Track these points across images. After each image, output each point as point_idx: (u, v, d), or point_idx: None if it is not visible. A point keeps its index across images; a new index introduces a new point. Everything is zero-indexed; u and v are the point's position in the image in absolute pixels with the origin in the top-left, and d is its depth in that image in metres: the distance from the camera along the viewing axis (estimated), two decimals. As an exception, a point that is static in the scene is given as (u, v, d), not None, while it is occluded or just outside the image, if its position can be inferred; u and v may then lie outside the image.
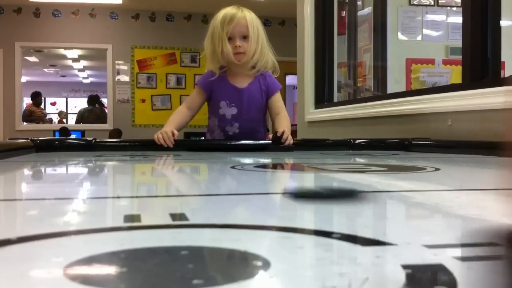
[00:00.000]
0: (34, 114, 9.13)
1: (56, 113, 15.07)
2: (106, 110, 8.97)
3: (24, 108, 9.17)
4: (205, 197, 0.78)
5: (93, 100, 9.22)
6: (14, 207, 0.71)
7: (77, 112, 10.49)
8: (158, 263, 0.36)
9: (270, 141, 2.07)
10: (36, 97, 9.42)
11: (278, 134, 2.02)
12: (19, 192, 0.95)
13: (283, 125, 2.12)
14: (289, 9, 5.72)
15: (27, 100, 9.47)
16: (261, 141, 2.12)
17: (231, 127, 2.16)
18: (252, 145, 2.08)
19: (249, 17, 2.10)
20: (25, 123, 8.64)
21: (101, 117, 8.89)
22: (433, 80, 3.82)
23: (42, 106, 10.35)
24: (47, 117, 11.53)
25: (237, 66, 2.11)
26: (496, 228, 0.52)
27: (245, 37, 2.07)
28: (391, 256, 0.38)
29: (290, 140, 2.02)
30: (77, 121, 9.25)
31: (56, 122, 12.07)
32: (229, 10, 2.09)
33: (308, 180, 1.11)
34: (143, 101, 8.68)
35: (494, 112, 2.18)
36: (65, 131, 7.98)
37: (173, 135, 2.00)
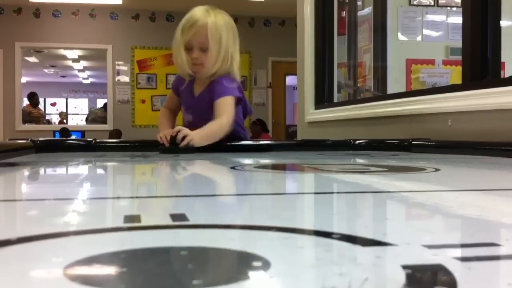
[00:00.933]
0: (31, 115, 9.13)
1: (57, 114, 15.09)
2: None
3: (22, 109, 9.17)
4: (205, 197, 0.78)
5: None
6: (14, 208, 0.71)
7: (77, 112, 10.56)
8: (158, 263, 0.36)
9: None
10: (32, 98, 9.41)
11: (173, 134, 1.82)
12: (19, 192, 0.95)
13: (207, 127, 1.88)
14: (289, 9, 5.73)
15: (27, 101, 9.46)
16: (261, 142, 2.08)
17: (188, 125, 2.06)
18: (251, 146, 2.06)
19: (212, 25, 1.90)
20: (25, 124, 8.64)
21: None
22: (433, 81, 3.82)
23: (40, 106, 10.35)
24: (46, 118, 11.55)
25: (195, 75, 2.01)
26: None
27: (204, 48, 1.91)
28: (391, 256, 0.38)
29: (187, 141, 1.79)
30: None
31: (57, 123, 12.09)
32: (194, 14, 1.93)
33: (308, 180, 1.11)
34: (143, 101, 8.68)
35: (494, 113, 2.18)
36: (65, 132, 7.98)
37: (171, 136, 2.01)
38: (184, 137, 1.79)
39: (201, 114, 2.03)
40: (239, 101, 2.05)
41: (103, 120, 9.01)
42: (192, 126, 1.99)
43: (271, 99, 9.27)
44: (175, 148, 1.80)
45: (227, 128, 1.92)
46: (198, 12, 1.93)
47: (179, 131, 1.81)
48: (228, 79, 1.99)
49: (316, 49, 4.27)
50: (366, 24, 4.09)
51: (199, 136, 1.83)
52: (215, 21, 1.92)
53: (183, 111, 2.16)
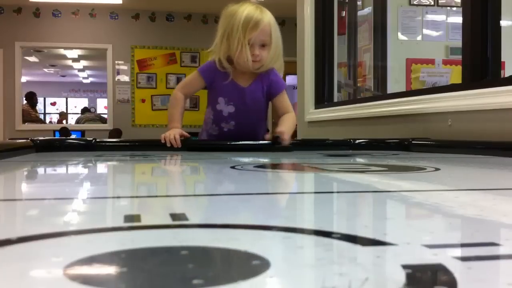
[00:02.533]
0: (31, 116, 9.09)
1: (57, 113, 15.08)
2: (106, 110, 8.99)
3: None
4: (205, 197, 0.78)
5: None
6: (14, 207, 0.71)
7: (77, 112, 10.62)
8: (158, 263, 0.36)
9: (269, 142, 2.03)
10: (32, 98, 9.36)
11: (277, 135, 1.97)
12: (19, 192, 0.95)
13: (285, 125, 2.04)
14: (289, 9, 5.72)
15: (25, 100, 9.43)
16: (260, 142, 2.10)
17: (227, 124, 2.11)
18: (251, 145, 2.06)
19: (273, 23, 2.00)
20: (26, 123, 8.64)
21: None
22: (433, 80, 3.82)
23: (40, 105, 10.32)
24: (45, 118, 11.54)
25: (254, 70, 2.04)
26: None
27: (264, 44, 1.99)
28: (391, 256, 0.38)
29: (286, 141, 1.96)
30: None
31: (56, 122, 12.09)
32: (252, 12, 1.97)
33: (308, 180, 1.11)
34: (143, 101, 8.68)
35: (494, 112, 2.18)
36: (65, 131, 7.98)
37: (182, 136, 2.02)
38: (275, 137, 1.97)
39: (249, 105, 2.09)
40: None
41: (98, 119, 9.02)
42: (234, 117, 2.09)
43: (271, 99, 9.25)
44: (275, 146, 1.95)
45: (296, 121, 2.17)
46: (255, 11, 1.98)
47: (282, 132, 1.96)
48: (276, 72, 2.13)
49: (316, 49, 4.27)
50: (366, 23, 4.09)
51: (289, 132, 2.02)
52: (273, 20, 2.02)
53: (220, 102, 2.11)
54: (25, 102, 9.24)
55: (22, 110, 8.79)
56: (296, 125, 4.46)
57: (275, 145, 1.96)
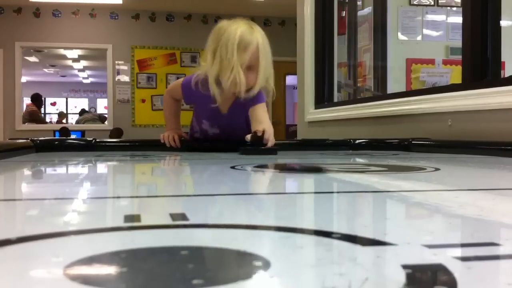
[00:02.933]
0: (37, 116, 9.10)
1: (56, 113, 15.08)
2: (106, 110, 9.00)
3: (25, 109, 9.13)
4: (205, 197, 0.78)
5: None
6: (14, 207, 0.71)
7: (77, 112, 10.62)
8: (158, 263, 0.36)
9: (248, 142, 1.77)
10: (38, 99, 9.37)
11: (259, 134, 1.74)
12: (19, 192, 0.95)
13: (265, 123, 1.86)
14: (289, 9, 5.72)
15: (27, 101, 9.43)
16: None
17: (213, 136, 2.08)
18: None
19: (262, 46, 1.85)
20: (26, 123, 8.64)
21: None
22: (433, 80, 3.83)
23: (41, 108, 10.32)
24: (46, 119, 11.56)
25: (237, 94, 1.90)
26: None
27: (252, 67, 1.85)
28: (391, 256, 0.38)
29: (272, 141, 1.81)
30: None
31: (55, 123, 12.09)
32: (244, 33, 1.83)
33: (308, 180, 1.11)
34: (143, 101, 8.68)
35: (494, 112, 2.18)
36: (65, 132, 7.98)
37: (180, 137, 2.02)
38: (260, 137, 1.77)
39: (231, 127, 2.01)
40: None
41: (97, 118, 9.01)
42: (220, 136, 2.04)
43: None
44: (260, 149, 1.74)
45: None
46: (246, 31, 1.84)
47: (264, 132, 1.77)
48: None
49: (316, 49, 4.27)
50: (366, 23, 4.09)
51: (272, 134, 1.83)
52: (263, 41, 1.89)
53: (204, 122, 2.07)
54: (29, 102, 9.25)
55: (31, 111, 8.80)
56: (296, 125, 4.42)
57: (258, 146, 1.75)
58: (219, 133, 2.05)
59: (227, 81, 1.82)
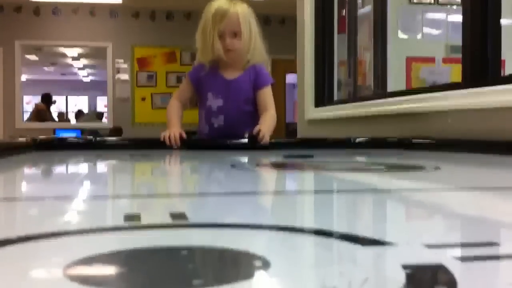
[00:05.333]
0: (43, 115, 9.08)
1: (57, 112, 15.08)
2: (106, 109, 9.00)
3: (34, 108, 9.13)
4: (205, 197, 0.78)
5: None
6: (14, 207, 0.71)
7: (77, 111, 10.64)
8: (158, 263, 0.36)
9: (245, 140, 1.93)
10: (47, 99, 9.36)
11: (254, 133, 1.88)
12: (18, 191, 0.95)
13: (263, 123, 1.99)
14: (289, 7, 5.72)
15: (27, 99, 9.42)
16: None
17: (216, 119, 2.11)
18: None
19: (242, 13, 2.04)
20: (29, 122, 8.64)
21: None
22: (433, 79, 3.82)
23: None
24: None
25: (229, 60, 2.07)
26: None
27: (236, 34, 2.02)
28: (391, 256, 0.38)
29: (266, 140, 1.89)
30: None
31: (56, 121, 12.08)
32: (221, 4, 2.03)
33: (308, 179, 1.11)
34: (143, 99, 8.67)
35: (494, 111, 2.18)
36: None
37: (180, 137, 2.01)
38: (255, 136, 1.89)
39: (235, 97, 2.10)
40: None
41: (94, 116, 9.02)
42: (223, 110, 2.08)
43: (271, 97, 9.25)
44: (254, 147, 1.87)
45: (276, 120, 2.10)
46: (224, 3, 2.03)
47: (260, 130, 1.89)
48: (264, 67, 2.15)
49: (316, 47, 4.27)
50: (366, 22, 4.09)
51: (268, 131, 1.96)
52: (243, 10, 2.06)
53: (209, 97, 2.13)
54: (40, 102, 9.25)
55: (39, 109, 8.79)
56: (296, 123, 4.42)
57: (252, 144, 1.88)
58: (223, 104, 2.09)
59: (211, 49, 2.02)
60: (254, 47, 2.08)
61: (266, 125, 1.99)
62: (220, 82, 2.11)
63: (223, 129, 2.09)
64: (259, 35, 2.12)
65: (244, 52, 2.06)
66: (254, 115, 2.11)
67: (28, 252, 0.40)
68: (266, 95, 2.11)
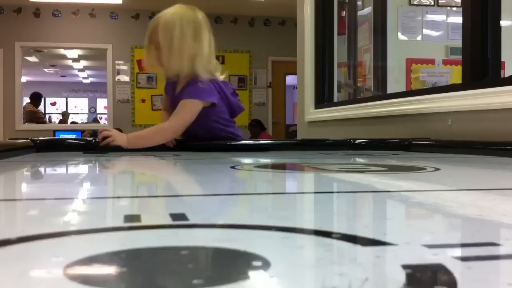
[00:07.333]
0: (37, 115, 9.09)
1: (57, 113, 15.09)
2: (106, 110, 9.00)
3: (23, 108, 9.13)
4: (205, 197, 0.78)
5: None
6: (14, 207, 0.71)
7: (77, 111, 10.61)
8: (158, 263, 0.36)
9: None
10: (36, 98, 9.35)
11: (101, 134, 1.85)
12: (19, 192, 0.95)
13: (136, 132, 2.00)
14: (289, 9, 5.72)
15: (28, 100, 9.42)
16: (261, 142, 2.08)
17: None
18: (251, 145, 2.05)
19: (163, 23, 1.89)
20: (26, 123, 8.64)
21: None
22: (433, 80, 3.82)
23: (40, 106, 10.31)
24: (46, 118, 11.55)
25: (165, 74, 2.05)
26: None
27: (156, 46, 1.92)
28: (391, 256, 0.38)
29: (106, 142, 1.81)
30: None
31: (57, 123, 12.09)
32: (160, 14, 1.95)
33: (308, 180, 1.11)
34: (143, 101, 8.68)
35: (494, 112, 2.18)
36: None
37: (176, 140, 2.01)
38: (104, 138, 1.82)
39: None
40: (213, 104, 1.97)
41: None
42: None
43: (271, 99, 9.27)
44: (95, 149, 1.83)
45: (169, 132, 1.92)
46: (163, 12, 1.95)
47: (101, 131, 1.84)
48: (196, 81, 1.93)
49: (316, 49, 4.27)
50: (366, 23, 4.09)
51: (130, 137, 1.86)
52: (167, 19, 1.90)
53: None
54: (28, 102, 9.23)
55: (29, 111, 8.79)
56: (295, 125, 4.42)
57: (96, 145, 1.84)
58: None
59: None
60: (182, 62, 1.91)
61: (133, 133, 1.94)
62: (172, 96, 2.09)
63: (190, 137, 2.05)
64: (198, 47, 1.92)
65: (168, 66, 1.94)
66: (209, 124, 2.00)
67: (28, 252, 0.40)
68: (179, 107, 1.93)
